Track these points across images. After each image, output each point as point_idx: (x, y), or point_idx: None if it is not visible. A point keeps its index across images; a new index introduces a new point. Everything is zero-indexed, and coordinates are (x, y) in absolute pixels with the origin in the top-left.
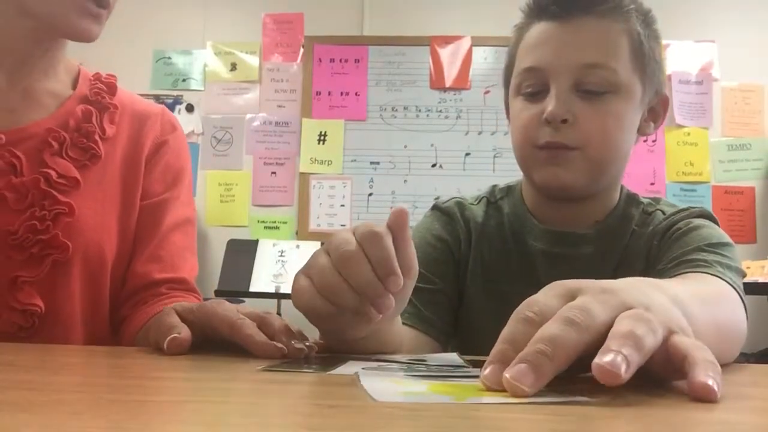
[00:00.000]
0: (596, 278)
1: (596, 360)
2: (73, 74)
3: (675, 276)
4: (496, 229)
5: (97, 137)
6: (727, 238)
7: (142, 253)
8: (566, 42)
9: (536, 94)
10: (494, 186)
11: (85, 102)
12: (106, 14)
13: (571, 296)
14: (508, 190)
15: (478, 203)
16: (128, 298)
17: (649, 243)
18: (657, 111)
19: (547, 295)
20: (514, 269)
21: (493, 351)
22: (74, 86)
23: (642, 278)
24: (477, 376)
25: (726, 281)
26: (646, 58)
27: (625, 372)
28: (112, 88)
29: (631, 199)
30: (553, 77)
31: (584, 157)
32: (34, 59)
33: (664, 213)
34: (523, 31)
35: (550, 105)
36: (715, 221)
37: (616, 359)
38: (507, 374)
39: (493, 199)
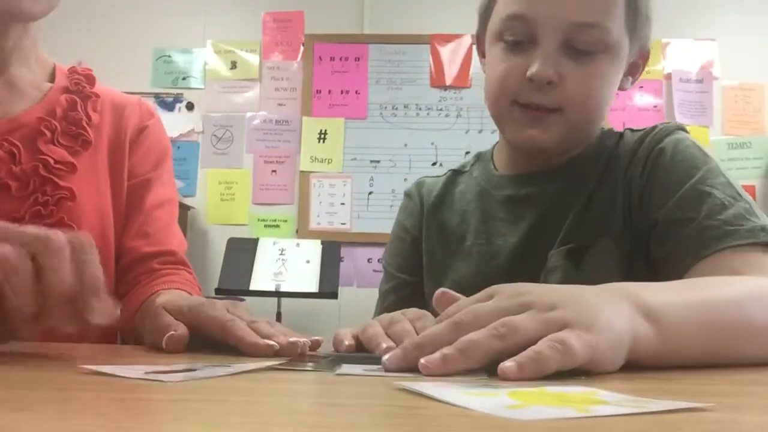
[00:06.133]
0: (559, 217)
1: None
2: (48, 69)
3: (713, 253)
4: (461, 195)
5: (85, 124)
6: (712, 159)
7: (130, 230)
8: None
9: (519, 43)
10: (468, 159)
11: (66, 92)
12: None
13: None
14: (478, 156)
15: (443, 176)
16: (123, 274)
17: (625, 165)
18: (637, 65)
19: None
20: (475, 224)
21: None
22: (51, 79)
23: (615, 285)
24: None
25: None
26: (639, 16)
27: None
28: (90, 78)
29: (608, 132)
30: (542, 31)
31: (564, 119)
32: (6, 51)
33: (632, 131)
34: None
35: (535, 64)
36: (686, 131)
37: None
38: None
39: (463, 168)
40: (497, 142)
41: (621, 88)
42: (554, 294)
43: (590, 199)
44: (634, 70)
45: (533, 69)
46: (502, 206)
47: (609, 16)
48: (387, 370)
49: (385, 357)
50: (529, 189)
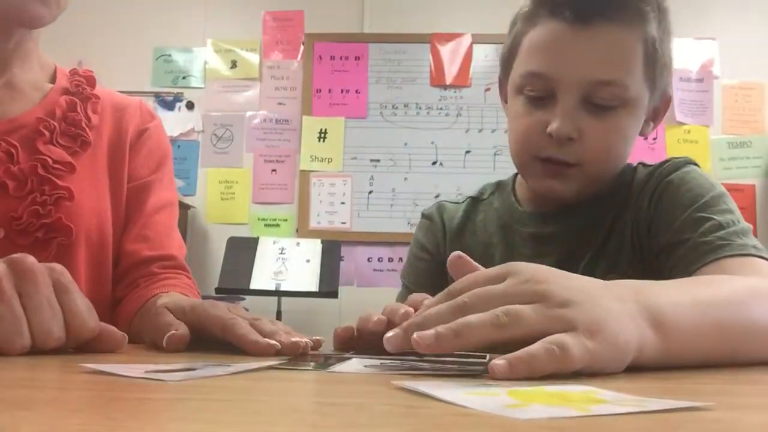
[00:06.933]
0: (582, 253)
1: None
2: (49, 71)
3: (706, 264)
4: (482, 224)
5: (84, 125)
6: (719, 187)
7: (130, 233)
8: (578, 51)
9: (540, 98)
10: (485, 185)
11: (67, 93)
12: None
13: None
14: (498, 185)
15: (462, 203)
16: (122, 278)
17: (636, 199)
18: (658, 110)
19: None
20: (499, 258)
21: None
22: (52, 81)
23: (627, 283)
24: (479, 370)
25: (760, 257)
26: (657, 65)
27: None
28: (91, 80)
29: (626, 167)
30: (561, 89)
31: (582, 172)
32: (8, 52)
33: (645, 165)
34: (532, 23)
35: (555, 121)
36: (696, 164)
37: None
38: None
39: (482, 196)
40: (518, 174)
41: (643, 133)
42: (570, 289)
43: (608, 234)
44: (656, 115)
45: (553, 126)
46: (527, 242)
47: (627, 73)
48: (388, 350)
49: (386, 336)
50: (552, 228)
